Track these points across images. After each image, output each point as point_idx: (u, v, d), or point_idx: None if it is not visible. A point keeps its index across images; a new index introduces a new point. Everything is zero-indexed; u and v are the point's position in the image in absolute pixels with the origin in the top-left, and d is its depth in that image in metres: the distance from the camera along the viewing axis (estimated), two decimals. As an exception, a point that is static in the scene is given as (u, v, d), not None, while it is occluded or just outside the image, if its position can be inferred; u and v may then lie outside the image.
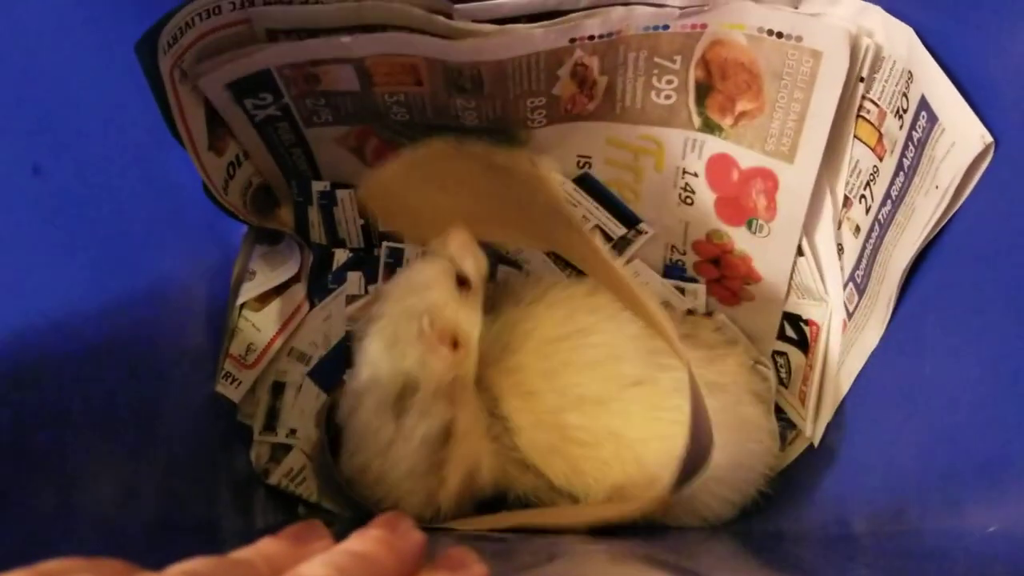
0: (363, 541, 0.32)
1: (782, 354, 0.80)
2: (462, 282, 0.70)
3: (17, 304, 0.51)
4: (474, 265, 0.71)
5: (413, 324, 0.66)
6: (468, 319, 0.69)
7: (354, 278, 0.80)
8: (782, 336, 0.80)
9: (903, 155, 0.63)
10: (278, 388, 0.79)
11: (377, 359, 0.68)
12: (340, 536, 0.53)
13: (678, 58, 0.67)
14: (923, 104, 0.59)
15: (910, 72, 0.61)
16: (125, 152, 0.62)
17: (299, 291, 0.80)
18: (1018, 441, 0.49)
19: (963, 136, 0.55)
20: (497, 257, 0.81)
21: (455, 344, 0.67)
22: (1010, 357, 0.51)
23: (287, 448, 0.78)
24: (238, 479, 0.76)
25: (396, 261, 0.80)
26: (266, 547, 0.32)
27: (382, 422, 0.67)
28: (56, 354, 0.53)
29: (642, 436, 0.69)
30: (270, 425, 0.78)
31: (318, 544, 0.33)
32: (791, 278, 0.77)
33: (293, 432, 0.78)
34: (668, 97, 0.70)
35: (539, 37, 0.64)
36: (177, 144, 0.67)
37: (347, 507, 0.76)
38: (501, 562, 0.57)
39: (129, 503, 0.59)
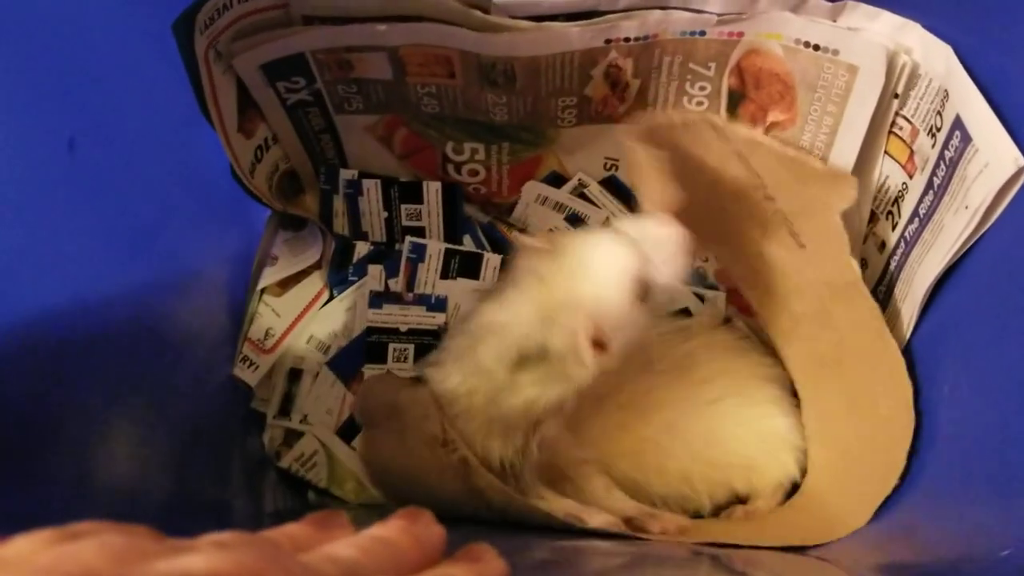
0: (386, 528, 0.32)
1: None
2: (643, 291, 0.61)
3: (44, 279, 0.51)
4: (669, 274, 0.62)
5: (572, 316, 0.59)
6: (628, 333, 0.61)
7: (375, 271, 0.80)
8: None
9: (934, 173, 0.62)
10: (295, 375, 0.79)
11: (521, 317, 0.61)
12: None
13: (712, 65, 0.67)
14: (957, 123, 0.59)
15: (946, 91, 0.60)
16: (155, 131, 0.62)
17: (319, 279, 0.80)
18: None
19: (996, 157, 0.55)
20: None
21: (603, 348, 0.60)
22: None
23: (299, 434, 0.78)
24: (249, 462, 0.77)
25: (419, 256, 0.80)
26: (291, 530, 0.32)
27: (497, 367, 0.62)
28: (77, 329, 0.54)
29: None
30: (284, 410, 0.78)
31: (340, 532, 0.33)
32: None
33: (306, 419, 0.78)
34: (700, 103, 0.70)
35: (575, 36, 0.64)
36: (206, 125, 0.67)
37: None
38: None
39: (143, 481, 0.60)
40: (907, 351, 0.65)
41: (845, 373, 0.70)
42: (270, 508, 0.75)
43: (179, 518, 0.61)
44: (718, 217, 0.72)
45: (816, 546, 0.63)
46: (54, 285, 0.52)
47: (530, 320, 0.61)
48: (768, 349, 0.77)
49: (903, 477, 0.61)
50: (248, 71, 0.67)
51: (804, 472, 0.72)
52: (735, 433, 0.70)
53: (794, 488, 0.72)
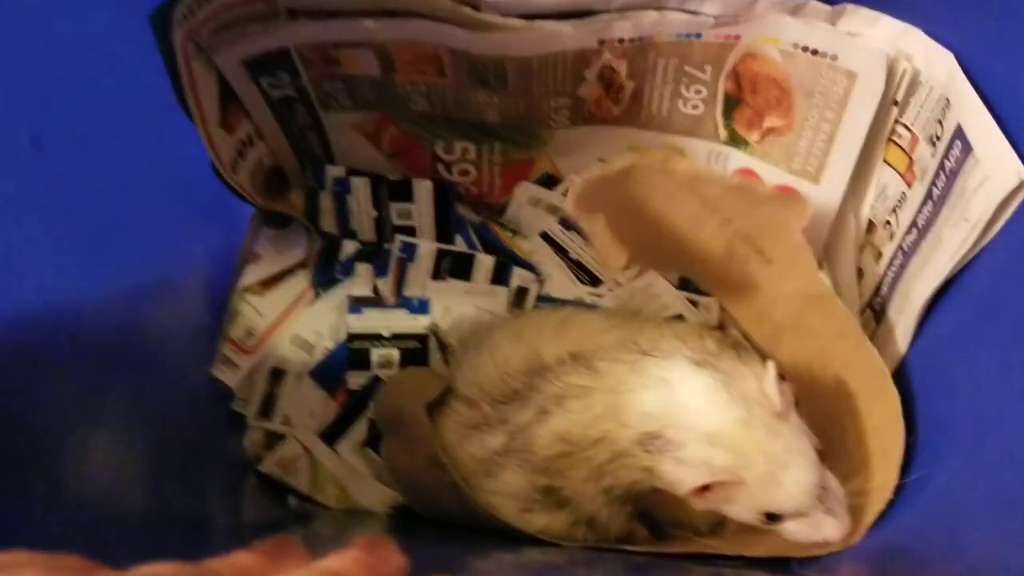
0: (341, 560, 0.31)
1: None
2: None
3: (9, 281, 0.49)
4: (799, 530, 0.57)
5: (699, 447, 0.54)
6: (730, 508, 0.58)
7: (362, 270, 0.78)
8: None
9: (933, 184, 0.61)
10: (277, 375, 0.77)
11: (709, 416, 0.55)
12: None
13: (708, 68, 0.66)
14: (958, 133, 0.57)
15: (947, 99, 0.59)
16: (130, 125, 0.61)
17: (304, 278, 0.79)
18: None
19: (997, 170, 0.53)
20: (512, 258, 0.79)
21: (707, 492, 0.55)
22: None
23: (281, 437, 0.76)
24: (228, 466, 0.75)
25: (409, 256, 0.78)
26: (239, 559, 0.30)
27: (639, 426, 0.56)
28: (46, 335, 0.52)
29: None
30: (266, 411, 0.77)
31: (293, 562, 0.31)
32: (807, 300, 0.75)
33: (288, 420, 0.77)
34: (695, 107, 0.69)
35: (568, 36, 0.63)
36: (186, 119, 0.65)
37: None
38: None
39: (117, 490, 0.58)
40: (904, 365, 0.64)
41: (833, 383, 0.68)
42: (249, 514, 0.73)
43: (154, 527, 0.59)
44: (677, 247, 0.71)
45: (806, 560, 0.61)
46: (21, 288, 0.50)
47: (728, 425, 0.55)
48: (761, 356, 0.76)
49: (897, 492, 0.59)
50: (230, 66, 0.66)
51: None
52: None
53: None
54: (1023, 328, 0.53)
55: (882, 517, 0.59)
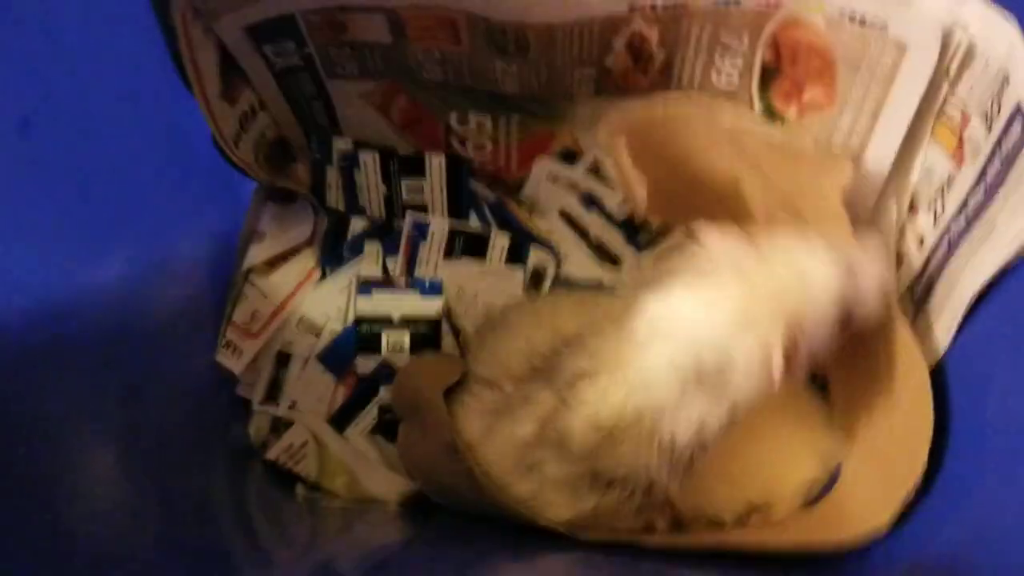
0: None
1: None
2: (845, 318, 0.56)
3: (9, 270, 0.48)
4: (869, 312, 0.57)
5: (772, 324, 0.53)
6: (816, 357, 0.56)
7: (371, 249, 0.75)
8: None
9: (987, 166, 0.57)
10: (283, 359, 0.74)
11: (714, 317, 0.54)
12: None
13: (746, 37, 0.62)
14: (1018, 112, 0.53)
15: (1007, 75, 0.54)
16: (125, 99, 0.59)
17: (311, 255, 0.75)
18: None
19: (1063, 156, 0.49)
20: (528, 238, 0.75)
21: (790, 366, 0.54)
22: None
23: (288, 423, 0.74)
24: (234, 455, 0.73)
25: (421, 234, 0.74)
26: None
27: (669, 380, 0.55)
28: (43, 324, 0.51)
29: None
30: (271, 396, 0.74)
31: None
32: (842, 285, 0.71)
33: (295, 405, 0.74)
34: (730, 78, 0.64)
35: (595, 1, 0.58)
36: (185, 91, 0.62)
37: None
38: None
39: (119, 476, 0.56)
40: (947, 358, 0.60)
41: (864, 357, 0.65)
42: (255, 507, 0.71)
43: (156, 520, 0.57)
44: (713, 203, 0.67)
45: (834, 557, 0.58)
46: (18, 278, 0.48)
47: (724, 322, 0.54)
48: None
49: (930, 482, 0.57)
50: (231, 34, 0.62)
51: (834, 474, 0.67)
52: (751, 448, 0.65)
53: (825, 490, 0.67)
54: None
55: (925, 529, 0.57)
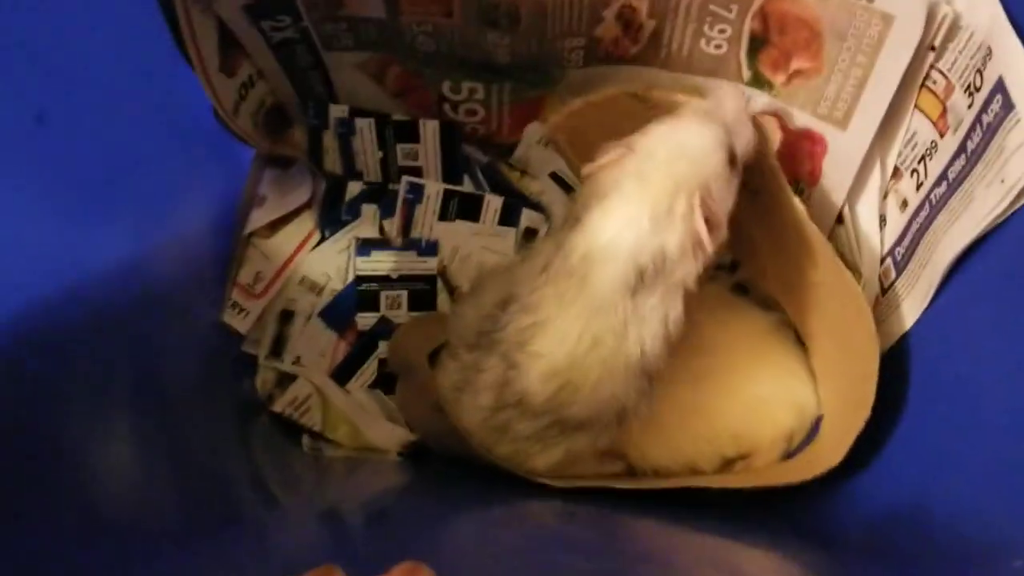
0: None
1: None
2: (733, 159, 0.59)
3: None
4: (747, 141, 0.60)
5: (681, 198, 0.56)
6: (727, 206, 0.59)
7: (368, 211, 0.77)
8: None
9: (968, 137, 0.58)
10: (286, 316, 0.76)
11: (629, 224, 0.56)
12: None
13: (734, 7, 0.62)
14: (999, 87, 0.54)
15: (989, 48, 0.55)
16: (130, 79, 0.59)
17: (310, 218, 0.77)
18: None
19: (1041, 131, 0.51)
20: (520, 199, 0.77)
21: (712, 227, 0.57)
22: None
23: (292, 378, 0.76)
24: (240, 408, 0.75)
25: (416, 197, 0.76)
26: None
27: (616, 298, 0.57)
28: (64, 285, 0.52)
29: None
30: (276, 352, 0.76)
31: None
32: (826, 245, 0.73)
33: (299, 360, 0.76)
34: (719, 47, 0.65)
35: (586, -25, 0.59)
36: (185, 65, 0.63)
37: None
38: None
39: (133, 436, 0.58)
40: (923, 322, 0.62)
41: (826, 308, 0.69)
42: (263, 458, 0.74)
43: (168, 475, 0.60)
44: None
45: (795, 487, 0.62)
46: (33, 245, 0.50)
47: (643, 223, 0.56)
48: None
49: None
50: (230, 12, 0.62)
51: (813, 423, 0.71)
52: (722, 406, 0.68)
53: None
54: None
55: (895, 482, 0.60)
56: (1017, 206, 0.53)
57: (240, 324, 0.74)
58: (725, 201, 0.59)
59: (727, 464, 0.70)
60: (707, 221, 0.56)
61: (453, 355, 0.66)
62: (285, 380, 0.77)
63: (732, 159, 0.59)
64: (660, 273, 0.56)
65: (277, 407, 0.76)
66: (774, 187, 0.65)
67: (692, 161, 0.57)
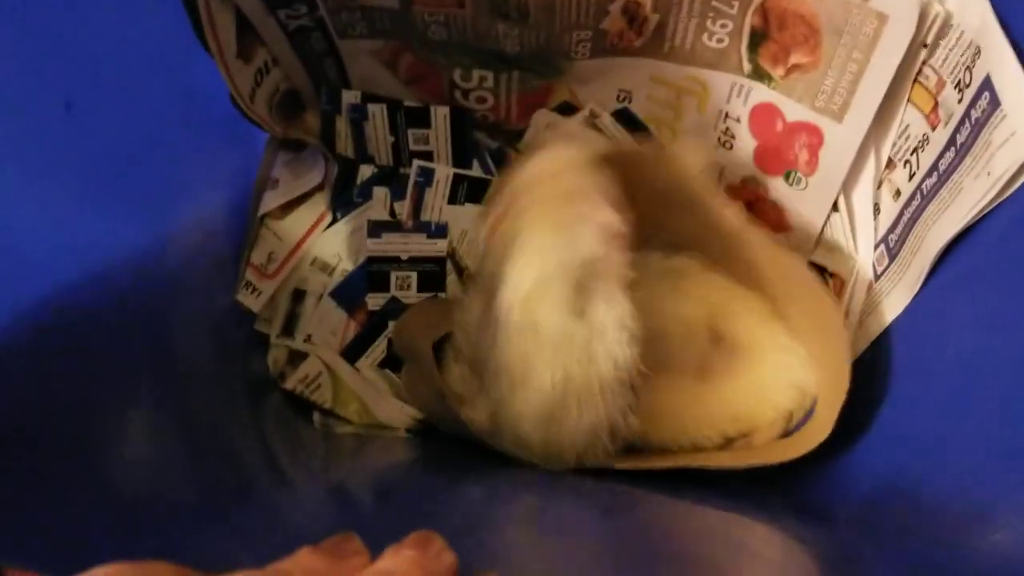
0: (396, 561, 0.33)
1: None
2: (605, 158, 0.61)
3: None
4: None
5: (576, 203, 0.57)
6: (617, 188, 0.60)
7: (380, 194, 0.79)
8: (804, 283, 0.79)
9: (957, 131, 0.60)
10: (298, 295, 0.79)
11: (544, 253, 0.57)
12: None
13: (736, 3, 0.64)
14: (987, 84, 0.56)
15: (978, 46, 0.58)
16: (151, 67, 0.61)
17: (322, 200, 0.79)
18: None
19: (1024, 127, 0.53)
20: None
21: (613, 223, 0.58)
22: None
23: (304, 355, 0.79)
24: (253, 384, 0.77)
25: (426, 180, 0.78)
26: (306, 561, 0.32)
27: (565, 325, 0.58)
28: (80, 265, 0.54)
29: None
30: (288, 331, 0.79)
31: (356, 560, 0.33)
32: (822, 232, 0.75)
33: (310, 339, 0.79)
34: (720, 41, 0.67)
35: (593, -28, 0.61)
36: (203, 53, 0.64)
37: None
38: None
39: (147, 411, 0.60)
40: (914, 307, 0.65)
41: (799, 293, 0.71)
42: (272, 430, 0.76)
43: (183, 450, 0.62)
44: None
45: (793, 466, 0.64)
46: (62, 231, 0.51)
47: (556, 248, 0.58)
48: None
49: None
50: (248, 1, 0.64)
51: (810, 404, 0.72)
52: (724, 389, 0.70)
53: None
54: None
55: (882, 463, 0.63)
56: (1002, 198, 0.56)
57: (253, 303, 0.76)
58: (622, 187, 0.60)
59: (728, 442, 0.73)
60: (616, 209, 0.58)
61: (457, 359, 0.68)
62: (296, 358, 0.79)
63: (605, 156, 0.60)
64: (593, 280, 0.58)
65: (288, 384, 0.78)
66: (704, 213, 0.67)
67: (569, 168, 0.59)
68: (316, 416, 0.79)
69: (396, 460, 0.75)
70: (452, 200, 0.78)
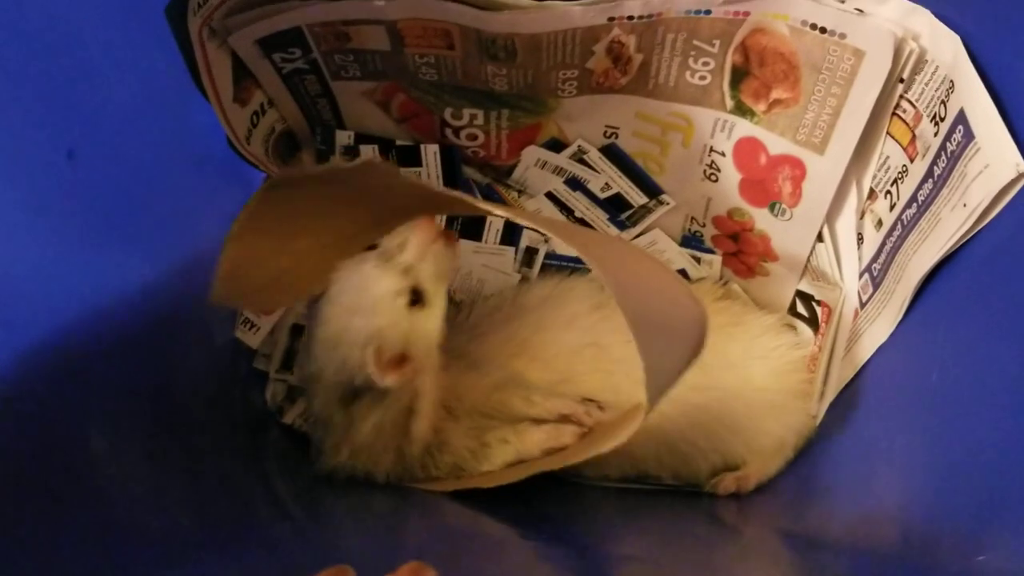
0: None
1: (791, 328, 0.81)
2: (416, 299, 0.64)
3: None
4: (434, 270, 0.64)
5: (355, 349, 0.62)
6: (423, 333, 0.65)
7: (374, 231, 0.80)
8: (793, 312, 0.80)
9: (934, 163, 0.62)
10: (297, 330, 0.79)
11: (322, 359, 0.65)
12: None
13: (717, 42, 0.66)
14: (961, 118, 0.58)
15: (952, 81, 0.59)
16: (149, 111, 0.62)
17: (318, 237, 0.80)
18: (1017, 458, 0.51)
19: (997, 160, 0.55)
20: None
21: (405, 360, 0.63)
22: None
23: (302, 390, 0.79)
24: (253, 419, 0.78)
25: (418, 217, 0.79)
26: None
27: (332, 411, 0.66)
28: (82, 304, 0.55)
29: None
30: (287, 366, 0.79)
31: None
32: (808, 261, 0.77)
33: (308, 374, 0.79)
34: (703, 78, 0.69)
35: (577, 15, 0.63)
36: (200, 96, 0.66)
37: None
38: None
39: (147, 447, 0.60)
40: (898, 334, 0.66)
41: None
42: (273, 466, 0.76)
43: (183, 483, 0.62)
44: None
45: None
46: (65, 276, 0.53)
47: (327, 357, 0.64)
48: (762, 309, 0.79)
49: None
50: (244, 46, 0.66)
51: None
52: (732, 403, 0.71)
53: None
54: (1007, 309, 0.55)
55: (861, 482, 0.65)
56: (978, 228, 0.58)
57: (251, 340, 0.77)
58: (419, 333, 0.64)
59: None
60: (395, 362, 0.62)
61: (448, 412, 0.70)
62: (295, 393, 0.79)
63: (419, 297, 0.63)
64: (366, 389, 0.63)
65: (287, 419, 0.79)
66: None
67: (364, 315, 0.62)
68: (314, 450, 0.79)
69: (393, 492, 0.76)
70: (446, 236, 0.79)
